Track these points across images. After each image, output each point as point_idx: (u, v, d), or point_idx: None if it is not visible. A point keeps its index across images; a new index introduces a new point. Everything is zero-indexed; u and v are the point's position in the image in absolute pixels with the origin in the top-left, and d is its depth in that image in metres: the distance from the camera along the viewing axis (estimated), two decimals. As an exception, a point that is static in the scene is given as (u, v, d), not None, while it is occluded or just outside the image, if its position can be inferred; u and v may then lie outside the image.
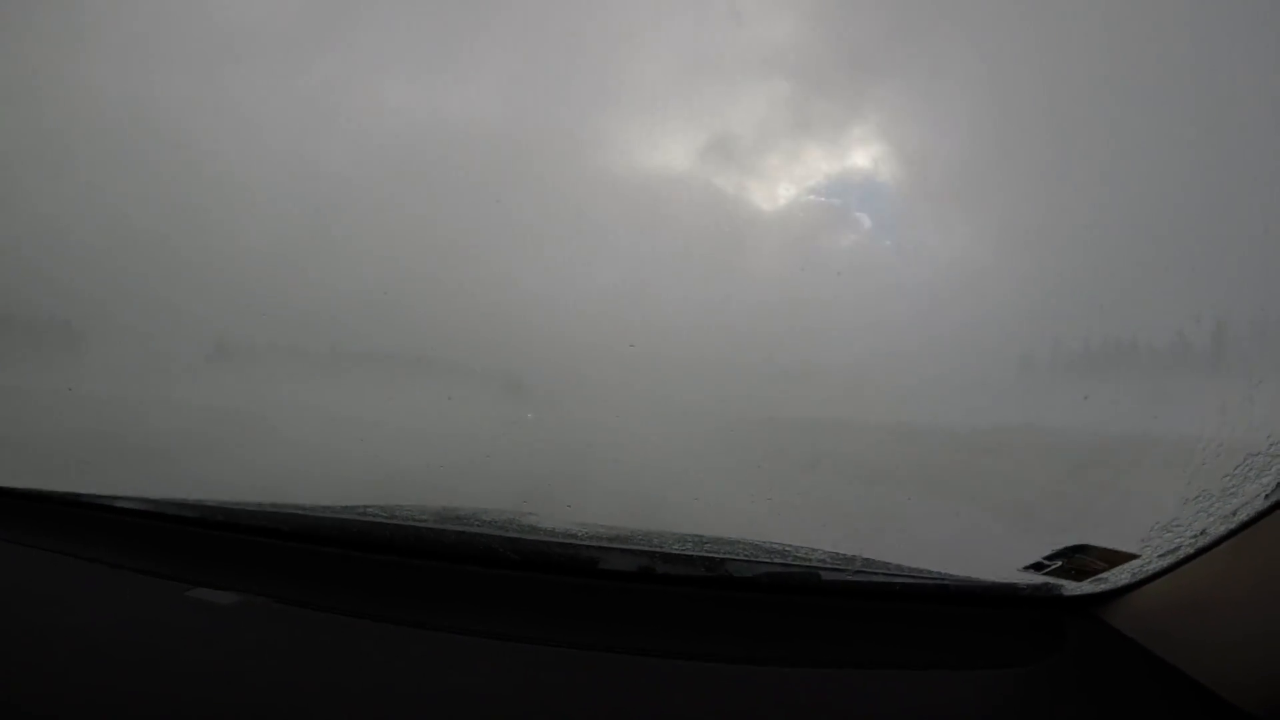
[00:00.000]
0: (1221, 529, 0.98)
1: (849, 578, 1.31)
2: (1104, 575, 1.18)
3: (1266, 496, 0.93)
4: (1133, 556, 1.17)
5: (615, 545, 1.36)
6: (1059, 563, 1.33)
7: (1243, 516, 0.95)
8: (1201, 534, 1.01)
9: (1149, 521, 1.19)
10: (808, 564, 1.36)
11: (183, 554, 1.37)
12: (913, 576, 1.32)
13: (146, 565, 1.30)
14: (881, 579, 1.31)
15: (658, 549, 1.37)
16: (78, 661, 1.00)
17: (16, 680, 0.95)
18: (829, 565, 1.36)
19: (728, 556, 1.33)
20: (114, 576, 1.29)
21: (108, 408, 8.04)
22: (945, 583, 1.29)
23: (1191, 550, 1.01)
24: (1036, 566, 1.35)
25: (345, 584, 1.26)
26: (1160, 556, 1.06)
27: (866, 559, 1.38)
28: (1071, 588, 1.21)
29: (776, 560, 1.37)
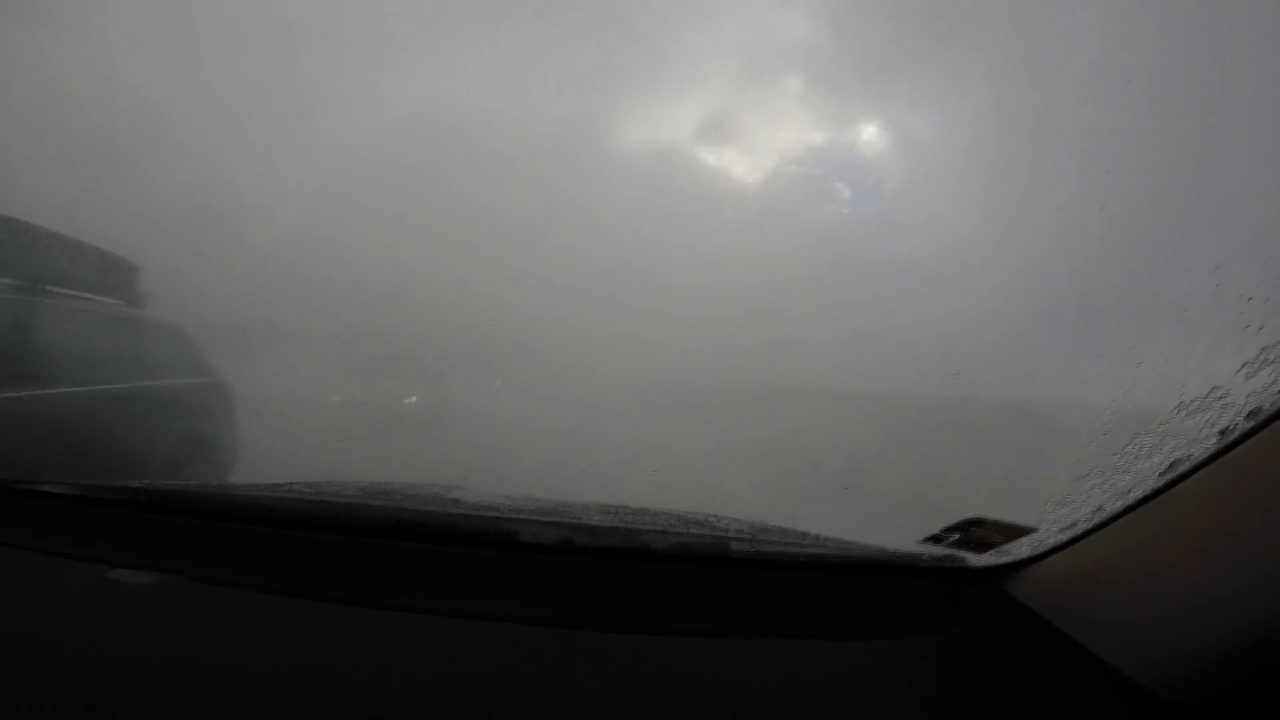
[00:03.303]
0: (1118, 505, 1.00)
1: (758, 548, 1.30)
2: (1005, 548, 1.20)
3: (1160, 475, 0.95)
4: (1031, 530, 1.20)
5: (534, 518, 1.37)
6: (956, 535, 1.36)
7: (1138, 494, 0.98)
8: (1099, 510, 1.04)
9: (1043, 497, 1.23)
10: (723, 534, 1.36)
11: (105, 536, 1.37)
12: (822, 547, 1.33)
13: (67, 549, 1.29)
14: (792, 549, 1.31)
15: (578, 520, 1.38)
16: None
17: None
18: (741, 536, 1.36)
19: (644, 528, 1.33)
20: (33, 561, 1.27)
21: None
22: (852, 553, 1.31)
23: (1089, 525, 1.04)
24: (935, 539, 1.38)
25: (264, 561, 1.28)
26: (1060, 531, 1.09)
27: (785, 528, 1.40)
28: (975, 559, 1.23)
29: (693, 531, 1.37)
